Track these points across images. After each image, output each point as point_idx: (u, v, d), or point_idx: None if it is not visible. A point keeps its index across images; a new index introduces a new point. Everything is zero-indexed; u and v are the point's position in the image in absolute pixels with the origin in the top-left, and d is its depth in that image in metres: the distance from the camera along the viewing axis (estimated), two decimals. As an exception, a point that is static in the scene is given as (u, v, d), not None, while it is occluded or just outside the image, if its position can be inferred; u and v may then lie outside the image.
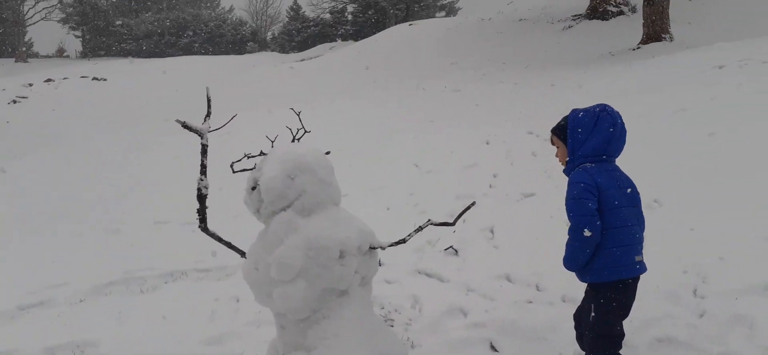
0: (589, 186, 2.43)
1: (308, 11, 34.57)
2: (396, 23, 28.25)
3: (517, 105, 8.93)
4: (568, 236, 2.49)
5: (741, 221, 3.80)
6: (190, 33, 34.91)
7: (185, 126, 2.32)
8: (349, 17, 33.73)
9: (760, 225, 3.70)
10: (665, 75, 7.73)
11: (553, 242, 4.20)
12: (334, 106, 9.21)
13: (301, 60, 24.07)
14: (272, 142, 2.42)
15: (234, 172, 2.38)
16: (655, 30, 12.85)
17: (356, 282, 2.38)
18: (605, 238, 2.42)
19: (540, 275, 3.77)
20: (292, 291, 2.14)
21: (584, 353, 2.72)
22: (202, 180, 2.35)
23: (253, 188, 2.23)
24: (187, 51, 32.33)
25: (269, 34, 35.26)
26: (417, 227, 2.46)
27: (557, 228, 4.40)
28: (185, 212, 6.05)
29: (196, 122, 2.35)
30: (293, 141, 2.42)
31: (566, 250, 2.51)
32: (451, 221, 2.51)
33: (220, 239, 2.43)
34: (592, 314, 2.53)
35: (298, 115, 2.59)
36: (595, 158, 2.53)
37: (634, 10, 16.38)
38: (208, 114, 2.39)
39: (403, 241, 2.43)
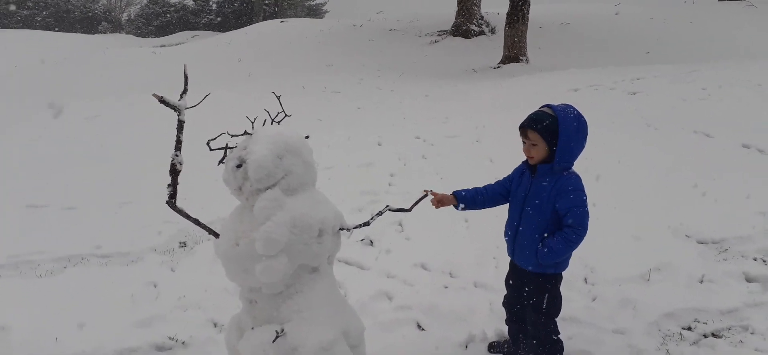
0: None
1: (169, -5, 32.86)
2: (263, 18, 27.88)
3: (398, 110, 9.38)
4: (564, 237, 2.62)
5: (614, 220, 4.49)
6: (30, 4, 31.47)
7: (162, 101, 2.33)
8: (214, 6, 32.60)
9: (630, 224, 4.42)
10: (534, 92, 8.60)
11: (456, 235, 4.64)
12: (216, 96, 8.98)
13: (162, 46, 22.93)
14: (253, 122, 2.49)
15: (211, 150, 2.42)
16: (514, 52, 14.12)
17: (325, 260, 2.55)
18: None
19: (451, 263, 4.14)
20: (276, 265, 2.26)
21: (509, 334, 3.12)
22: (176, 156, 2.37)
23: (238, 166, 2.30)
24: (28, 25, 29.14)
25: (125, 15, 32.83)
26: (377, 211, 2.72)
27: (456, 222, 4.84)
28: (65, 196, 5.68)
29: (173, 98, 2.38)
30: (272, 123, 2.51)
31: (561, 247, 2.62)
32: (408, 207, 2.82)
33: (188, 216, 2.45)
34: (546, 300, 2.79)
35: (278, 98, 2.68)
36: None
37: (493, 31, 17.84)
38: (185, 91, 2.42)
39: (367, 224, 2.65)
